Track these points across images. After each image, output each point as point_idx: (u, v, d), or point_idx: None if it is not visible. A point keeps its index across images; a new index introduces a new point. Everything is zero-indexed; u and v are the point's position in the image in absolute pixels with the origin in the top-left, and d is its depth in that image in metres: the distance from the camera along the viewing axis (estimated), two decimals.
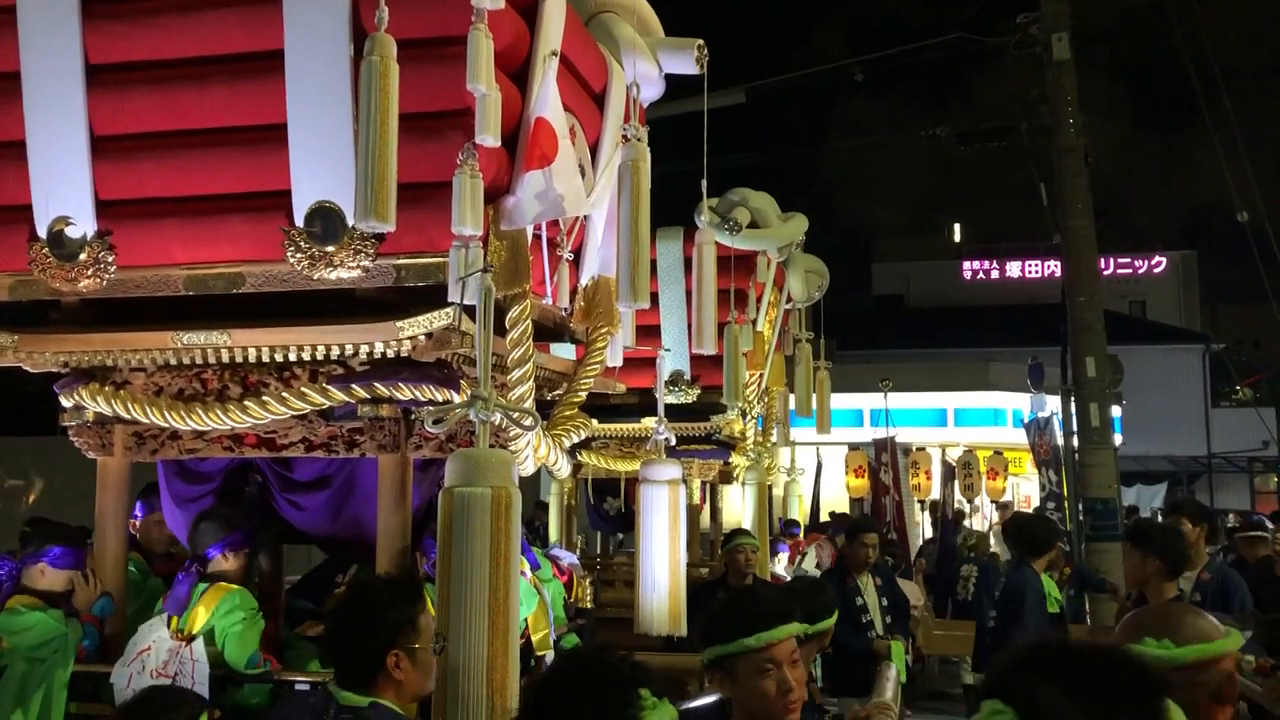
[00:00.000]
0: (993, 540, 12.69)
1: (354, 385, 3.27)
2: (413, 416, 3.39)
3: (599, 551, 10.23)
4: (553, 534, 7.76)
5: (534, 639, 4.14)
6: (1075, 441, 11.74)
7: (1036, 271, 35.38)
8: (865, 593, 6.41)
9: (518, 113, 3.02)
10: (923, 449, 15.19)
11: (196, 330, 3.24)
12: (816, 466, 14.73)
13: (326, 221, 2.97)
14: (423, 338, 3.08)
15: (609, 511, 8.26)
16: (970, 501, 14.85)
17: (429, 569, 3.45)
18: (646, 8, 3.93)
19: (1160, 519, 10.62)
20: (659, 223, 6.00)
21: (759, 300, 6.74)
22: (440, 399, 3.23)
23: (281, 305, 3.21)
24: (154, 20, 3.12)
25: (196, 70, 3.11)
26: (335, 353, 3.22)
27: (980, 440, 17.88)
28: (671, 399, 6.19)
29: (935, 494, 14.66)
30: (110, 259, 3.20)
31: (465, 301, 2.70)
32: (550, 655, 4.22)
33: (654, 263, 6.04)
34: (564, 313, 3.73)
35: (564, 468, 3.51)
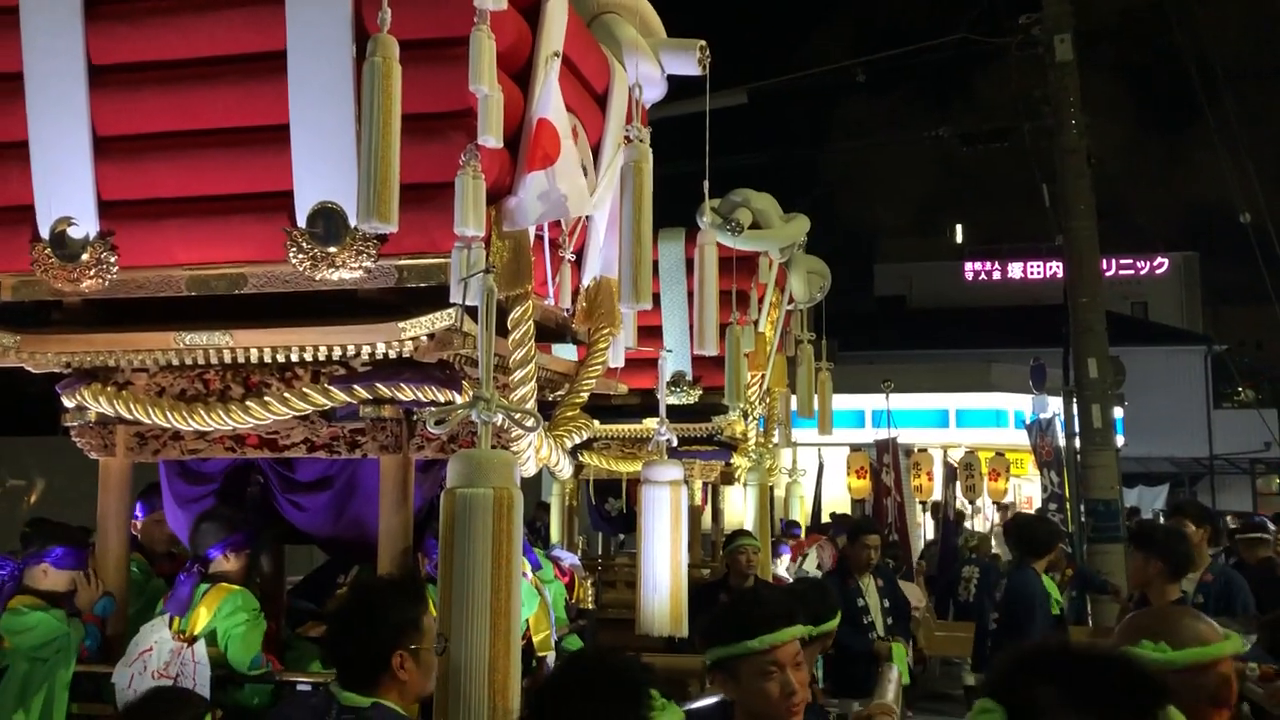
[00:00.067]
0: (994, 541, 12.69)
1: (356, 386, 3.27)
2: (415, 417, 3.39)
3: (600, 552, 10.21)
4: (554, 535, 7.74)
5: (535, 640, 4.13)
6: (1077, 443, 11.73)
7: (1038, 272, 35.32)
8: (867, 594, 6.40)
9: (520, 113, 3.02)
10: (924, 450, 15.21)
11: (199, 331, 3.24)
12: (818, 467, 14.70)
13: (329, 222, 2.97)
14: (425, 338, 3.08)
15: (610, 512, 8.25)
16: (972, 503, 14.84)
17: (431, 570, 3.45)
18: (649, 9, 3.93)
19: (1162, 520, 10.63)
20: (661, 223, 6.00)
21: (761, 301, 6.73)
22: (442, 400, 3.23)
23: (284, 306, 3.21)
24: (157, 21, 3.12)
25: (200, 71, 3.11)
26: (337, 353, 3.22)
27: (982, 441, 17.88)
28: (673, 400, 6.18)
29: (937, 495, 14.68)
30: (112, 259, 3.21)
31: (467, 302, 2.70)
32: (552, 656, 4.21)
33: (656, 263, 6.04)
34: (566, 313, 3.73)
35: (566, 469, 3.51)
